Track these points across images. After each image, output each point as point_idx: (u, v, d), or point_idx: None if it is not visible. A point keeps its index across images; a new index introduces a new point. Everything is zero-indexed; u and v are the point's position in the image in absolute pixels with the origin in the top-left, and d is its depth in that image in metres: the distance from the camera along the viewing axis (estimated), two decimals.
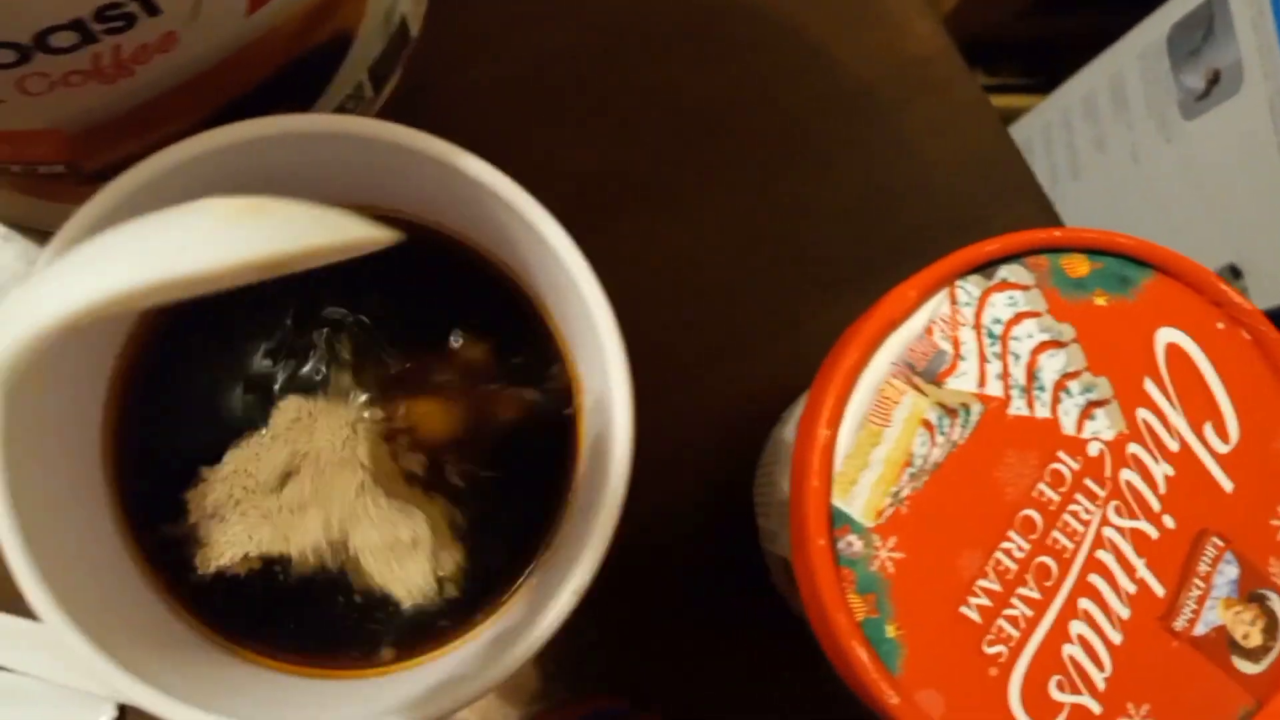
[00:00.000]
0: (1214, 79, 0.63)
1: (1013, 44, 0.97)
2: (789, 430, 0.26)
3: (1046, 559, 0.20)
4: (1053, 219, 0.34)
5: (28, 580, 0.19)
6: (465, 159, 0.20)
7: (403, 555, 0.21)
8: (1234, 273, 0.63)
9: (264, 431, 0.22)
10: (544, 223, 0.20)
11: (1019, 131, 0.86)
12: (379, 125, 0.21)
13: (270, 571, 0.22)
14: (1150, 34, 0.68)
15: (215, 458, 0.22)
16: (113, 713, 0.28)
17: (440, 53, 0.32)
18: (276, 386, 0.23)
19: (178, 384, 0.23)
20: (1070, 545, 0.20)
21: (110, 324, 0.22)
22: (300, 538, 0.21)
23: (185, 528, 0.22)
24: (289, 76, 0.25)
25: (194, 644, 0.21)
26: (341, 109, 0.28)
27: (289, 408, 0.22)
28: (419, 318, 0.23)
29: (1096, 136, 0.75)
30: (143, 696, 0.19)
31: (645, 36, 0.33)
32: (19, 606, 0.28)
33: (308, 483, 0.21)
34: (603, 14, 0.33)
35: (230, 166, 0.21)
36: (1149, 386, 0.21)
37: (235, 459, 0.22)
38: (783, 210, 0.33)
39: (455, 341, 0.23)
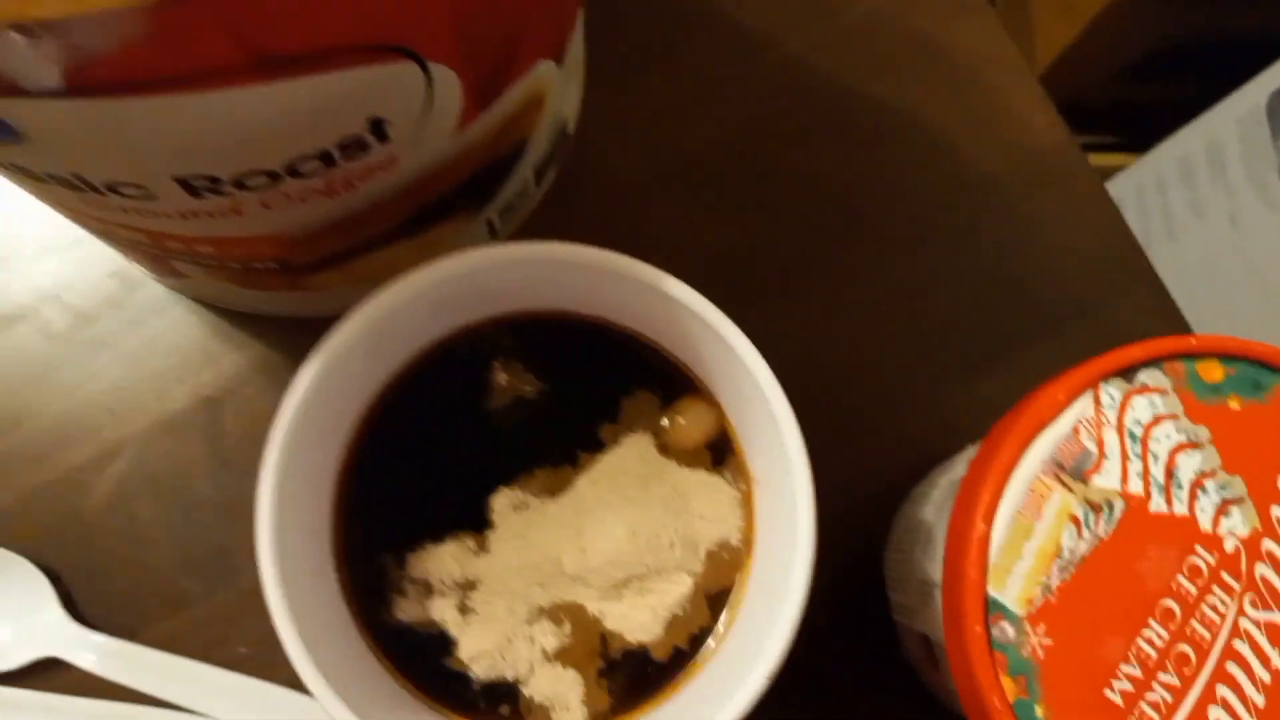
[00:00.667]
0: None
1: (1103, 105, 0.98)
2: (926, 511, 0.28)
3: (1185, 647, 0.22)
4: (1168, 306, 0.35)
5: (297, 653, 0.21)
6: (667, 281, 0.23)
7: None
8: None
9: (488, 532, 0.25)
10: (730, 333, 0.22)
11: (1111, 190, 0.87)
12: (591, 252, 0.23)
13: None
14: (1249, 100, 0.69)
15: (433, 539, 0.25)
16: None
17: (594, 145, 0.34)
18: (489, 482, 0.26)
19: (396, 482, 0.26)
20: (1208, 635, 0.22)
21: (333, 435, 0.25)
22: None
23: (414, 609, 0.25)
24: (474, 182, 0.28)
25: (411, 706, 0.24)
26: (509, 205, 0.31)
27: (503, 500, 0.25)
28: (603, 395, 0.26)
29: (1193, 200, 0.76)
30: None
31: (786, 129, 0.35)
32: (209, 657, 0.31)
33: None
34: (745, 109, 0.35)
35: (453, 285, 0.23)
36: None
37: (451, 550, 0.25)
38: (910, 294, 0.34)
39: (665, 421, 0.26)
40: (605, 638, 0.25)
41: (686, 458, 0.26)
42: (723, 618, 0.25)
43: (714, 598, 0.26)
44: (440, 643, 0.25)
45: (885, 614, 0.31)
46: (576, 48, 0.30)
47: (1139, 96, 0.96)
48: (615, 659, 0.25)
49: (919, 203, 0.35)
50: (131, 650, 0.31)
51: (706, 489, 0.25)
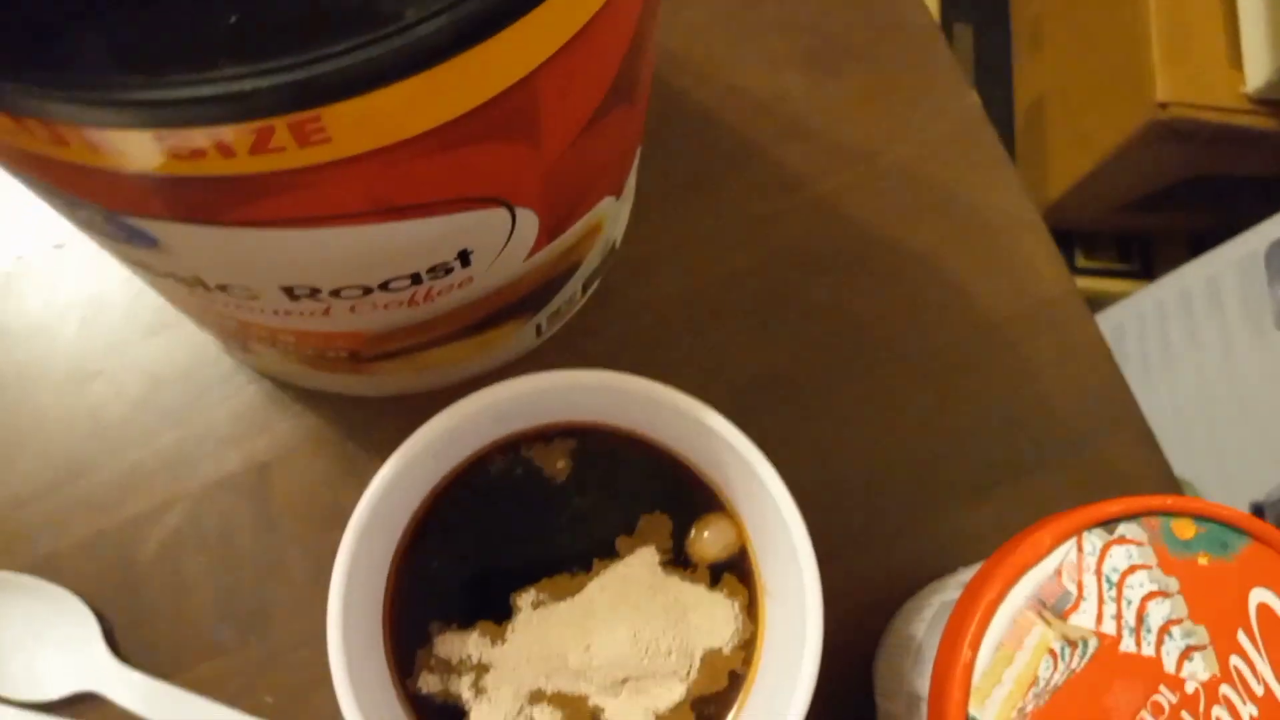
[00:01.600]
0: None
1: (1111, 233, 1.02)
2: (918, 627, 0.31)
3: None
4: (1152, 446, 0.38)
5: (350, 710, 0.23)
6: (702, 410, 0.25)
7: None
8: None
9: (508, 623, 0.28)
10: (758, 462, 0.25)
11: (1114, 315, 0.91)
12: (639, 382, 0.26)
13: None
14: (1247, 246, 0.73)
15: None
16: None
17: (634, 262, 0.37)
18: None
19: (440, 571, 0.29)
20: None
21: (394, 526, 0.28)
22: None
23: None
24: (532, 295, 0.31)
25: None
26: (558, 311, 0.34)
27: (525, 597, 0.28)
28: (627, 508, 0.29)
29: (1191, 332, 0.79)
30: None
31: (806, 261, 0.38)
32: (237, 704, 0.33)
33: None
34: (777, 241, 0.38)
35: (516, 401, 0.26)
36: (1241, 637, 0.25)
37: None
38: (914, 423, 0.37)
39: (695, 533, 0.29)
40: None
41: (691, 574, 0.29)
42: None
43: (703, 701, 0.28)
44: (456, 715, 0.28)
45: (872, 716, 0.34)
46: (631, 178, 0.33)
47: (1147, 225, 1.00)
48: None
49: (931, 338, 0.38)
50: (166, 690, 0.34)
51: (706, 603, 0.28)
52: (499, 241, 0.25)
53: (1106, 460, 0.38)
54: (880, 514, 0.37)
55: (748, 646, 0.27)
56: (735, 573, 0.29)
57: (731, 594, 0.29)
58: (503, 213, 0.23)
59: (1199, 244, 0.78)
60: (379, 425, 0.36)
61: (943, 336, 0.38)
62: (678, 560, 0.29)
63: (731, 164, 0.39)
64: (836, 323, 0.38)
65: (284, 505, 0.35)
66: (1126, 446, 0.38)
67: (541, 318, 0.33)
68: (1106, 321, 0.91)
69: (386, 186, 0.20)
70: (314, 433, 0.36)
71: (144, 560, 0.35)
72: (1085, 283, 1.02)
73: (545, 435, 0.29)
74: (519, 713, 0.27)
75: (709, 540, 0.28)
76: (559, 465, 0.29)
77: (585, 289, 0.35)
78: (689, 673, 0.27)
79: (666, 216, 0.38)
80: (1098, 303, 0.95)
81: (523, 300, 0.30)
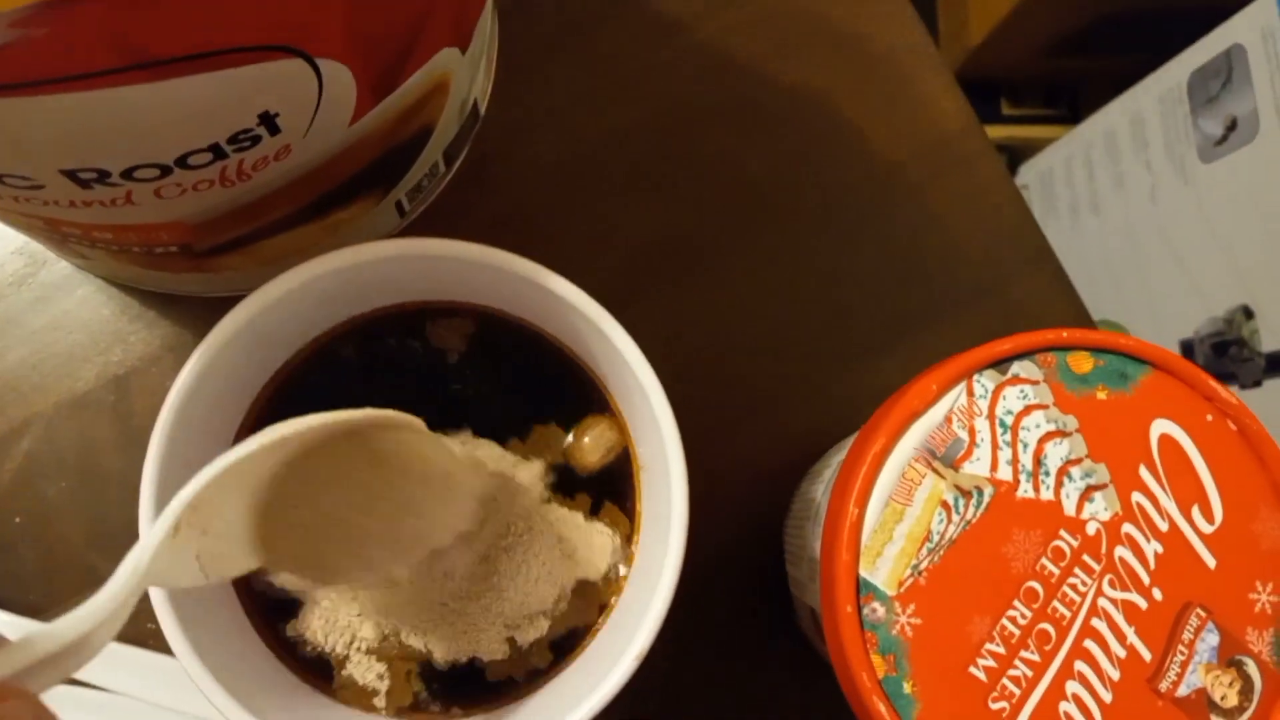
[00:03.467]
0: (1231, 126, 0.65)
1: (1036, 78, 1.00)
2: (819, 489, 0.29)
3: (1047, 625, 0.23)
4: (1066, 287, 0.37)
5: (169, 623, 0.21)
6: (545, 275, 0.23)
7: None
8: (1247, 314, 0.65)
9: None
10: (608, 325, 0.23)
11: (1041, 162, 0.89)
12: (469, 248, 0.24)
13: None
14: (1170, 79, 0.71)
15: None
16: None
17: (506, 128, 0.35)
18: None
19: None
20: (1068, 614, 0.23)
21: (219, 428, 0.25)
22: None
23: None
24: (377, 166, 0.28)
25: (293, 686, 0.24)
26: (418, 186, 0.31)
27: None
28: (501, 398, 0.26)
29: (1116, 174, 0.78)
30: None
31: (694, 115, 0.36)
32: (147, 643, 0.31)
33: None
34: (656, 95, 0.36)
35: (340, 278, 0.24)
36: (1143, 472, 0.24)
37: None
38: (817, 277, 0.35)
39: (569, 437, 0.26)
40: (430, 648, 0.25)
41: (571, 503, 0.26)
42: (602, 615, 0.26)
43: (567, 635, 0.26)
44: (290, 610, 0.26)
45: (786, 587, 0.33)
46: (484, 31, 0.30)
47: (1072, 69, 0.98)
48: (445, 665, 0.25)
49: (827, 186, 0.36)
50: (38, 628, 0.31)
51: (584, 532, 0.25)
52: (308, 103, 0.22)
53: (1019, 303, 0.36)
54: (786, 376, 0.35)
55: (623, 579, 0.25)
56: (617, 498, 0.27)
57: (612, 524, 0.26)
58: (300, 65, 0.21)
59: (1123, 87, 0.76)
60: None
61: (842, 184, 0.36)
62: (561, 480, 0.27)
63: (604, 11, 0.36)
64: (730, 178, 0.36)
65: (147, 420, 0.33)
66: (1040, 288, 0.37)
67: (399, 194, 0.30)
68: (1034, 168, 0.90)
69: (136, 33, 0.17)
70: (172, 341, 0.33)
71: None
72: (1012, 130, 0.99)
73: (388, 317, 0.27)
74: (342, 621, 0.25)
75: (589, 446, 0.26)
76: (408, 350, 0.27)
77: (449, 161, 0.32)
78: (557, 603, 0.25)
79: (536, 74, 0.35)
80: (1026, 150, 0.93)
81: (366, 173, 0.28)
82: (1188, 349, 0.70)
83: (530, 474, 0.25)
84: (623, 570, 0.26)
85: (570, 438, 0.26)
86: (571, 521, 0.25)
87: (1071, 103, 1.01)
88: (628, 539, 0.26)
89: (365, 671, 0.24)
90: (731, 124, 0.36)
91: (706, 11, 0.36)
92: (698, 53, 0.36)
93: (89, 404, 0.33)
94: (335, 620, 0.24)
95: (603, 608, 0.26)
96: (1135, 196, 0.75)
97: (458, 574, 0.24)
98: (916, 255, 0.36)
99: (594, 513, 0.26)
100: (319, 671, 0.24)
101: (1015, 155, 0.96)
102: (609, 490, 0.26)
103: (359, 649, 0.24)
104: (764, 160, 0.36)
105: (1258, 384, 0.65)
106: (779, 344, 0.35)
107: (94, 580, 0.32)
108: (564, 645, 0.26)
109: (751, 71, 0.37)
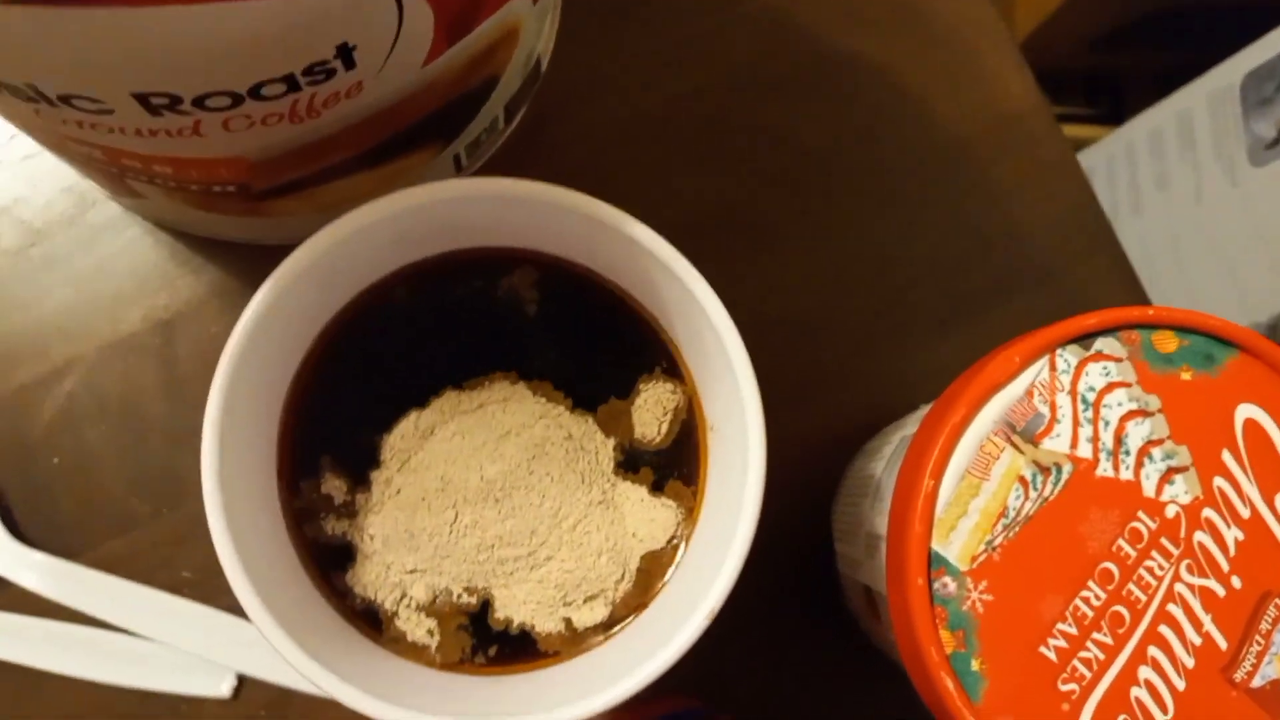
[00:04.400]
0: None
1: (1081, 75, 0.98)
2: (877, 466, 0.28)
3: (1121, 608, 0.22)
4: (1128, 275, 0.36)
5: (232, 568, 0.21)
6: (624, 220, 0.22)
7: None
8: None
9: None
10: (689, 276, 0.22)
11: (1083, 161, 0.87)
12: (546, 189, 0.23)
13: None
14: (1223, 79, 0.69)
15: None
16: (233, 682, 0.31)
17: (565, 89, 0.34)
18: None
19: (345, 403, 0.25)
20: (1144, 597, 0.22)
21: (283, 362, 0.24)
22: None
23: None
24: (443, 114, 0.27)
25: (346, 633, 0.24)
26: (477, 140, 0.31)
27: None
28: (566, 348, 0.25)
29: (1161, 174, 0.77)
30: (333, 686, 0.21)
31: (755, 84, 0.35)
32: (151, 580, 0.31)
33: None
34: (717, 62, 0.35)
35: (404, 220, 0.23)
36: (1226, 457, 0.23)
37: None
38: (874, 254, 0.35)
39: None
40: (489, 604, 0.25)
41: (634, 477, 0.25)
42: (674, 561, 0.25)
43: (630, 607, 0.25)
44: (344, 560, 0.25)
45: (831, 565, 0.32)
46: None
47: (1117, 66, 0.97)
48: (497, 629, 0.25)
49: (890, 162, 0.35)
50: (74, 570, 0.31)
51: (646, 508, 0.25)
52: (386, 38, 0.21)
53: (1079, 288, 0.35)
54: (841, 353, 0.34)
55: (690, 491, 0.25)
56: (681, 472, 0.26)
57: (676, 499, 0.25)
58: None
59: (1168, 85, 0.75)
60: None
61: (904, 160, 0.35)
62: (626, 455, 0.25)
63: None
64: (788, 148, 0.35)
65: (191, 366, 0.32)
66: (1101, 274, 0.36)
67: (459, 147, 0.30)
68: None
69: None
70: (220, 288, 0.33)
71: (38, 432, 0.32)
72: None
73: (459, 262, 0.26)
74: (395, 573, 0.24)
75: (649, 417, 0.25)
76: (478, 297, 0.26)
77: (509, 117, 0.32)
78: (619, 583, 0.24)
79: (598, 36, 0.35)
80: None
81: (431, 121, 0.27)
82: None
83: (597, 440, 0.25)
84: (681, 550, 0.25)
85: (633, 409, 0.25)
86: (635, 496, 0.24)
87: (1115, 102, 1.00)
88: (689, 513, 0.25)
89: (415, 627, 0.24)
90: (793, 95, 0.35)
91: None
92: (761, 20, 0.36)
93: (134, 348, 0.32)
94: (387, 576, 0.24)
95: (661, 583, 0.25)
96: (1180, 197, 0.74)
97: (518, 528, 0.24)
98: (977, 236, 0.35)
99: (658, 489, 0.25)
100: (370, 621, 0.24)
101: None
102: (672, 464, 0.25)
103: (408, 605, 0.24)
104: (825, 133, 0.35)
105: None
106: (833, 320, 0.35)
107: (130, 524, 0.31)
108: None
109: (815, 42, 0.36)
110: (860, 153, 0.35)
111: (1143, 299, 0.36)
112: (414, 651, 0.24)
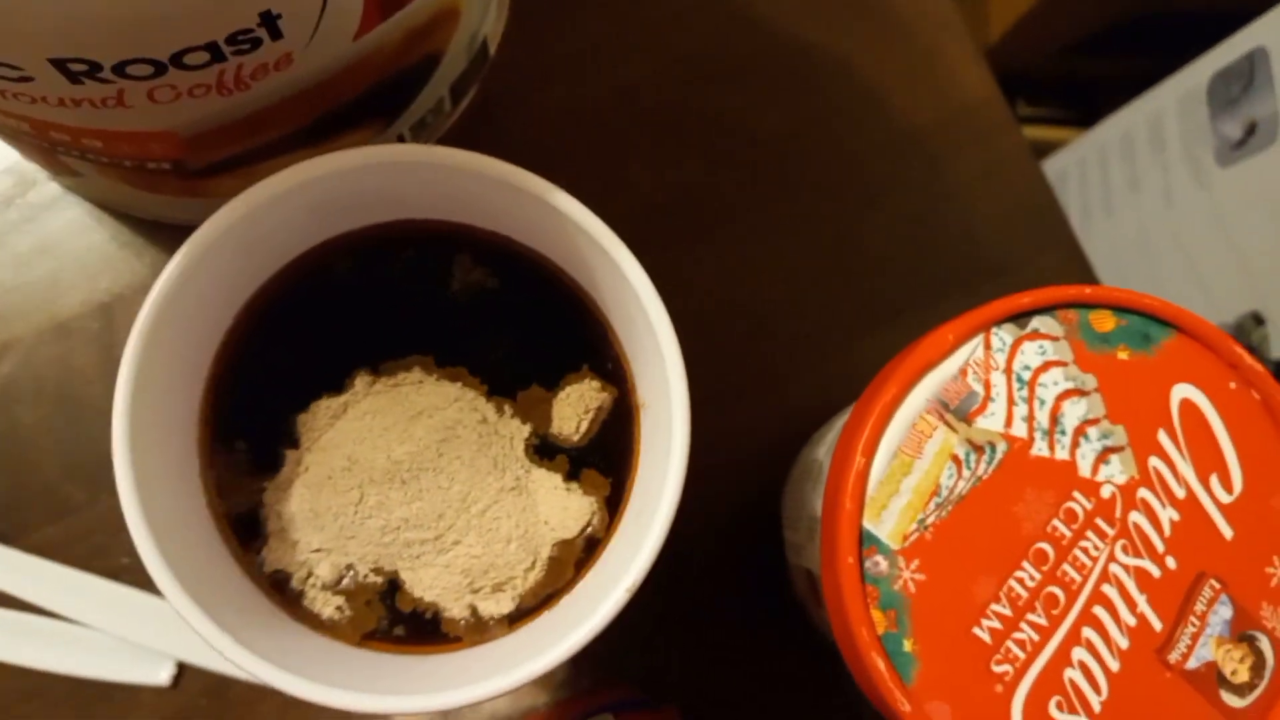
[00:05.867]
0: (1251, 130, 0.64)
1: (1054, 78, 0.99)
2: (821, 451, 0.28)
3: (1055, 589, 0.22)
4: (1082, 265, 0.36)
5: (146, 549, 0.20)
6: (550, 190, 0.22)
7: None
8: (1257, 320, 0.64)
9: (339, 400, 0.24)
10: (618, 251, 0.22)
11: (1055, 164, 0.88)
12: (472, 157, 0.22)
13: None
14: (1191, 80, 0.70)
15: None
16: (172, 669, 0.30)
17: (517, 72, 0.34)
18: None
19: (268, 377, 0.25)
20: (1078, 578, 0.22)
21: (201, 337, 0.24)
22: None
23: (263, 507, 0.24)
24: (381, 91, 0.27)
25: (265, 609, 0.23)
26: (422, 121, 0.30)
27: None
28: (494, 328, 0.25)
29: (1132, 176, 0.77)
30: (245, 660, 0.20)
31: (710, 71, 0.35)
32: (88, 566, 0.31)
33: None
34: (672, 48, 0.35)
35: (327, 188, 0.23)
36: (1162, 437, 0.23)
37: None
38: (828, 245, 0.34)
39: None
40: (398, 585, 0.24)
41: (547, 461, 0.25)
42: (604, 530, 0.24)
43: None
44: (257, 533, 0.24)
45: (782, 556, 0.32)
46: None
47: (1091, 70, 0.97)
48: (405, 610, 0.24)
49: (846, 153, 0.35)
50: (8, 555, 0.31)
51: (559, 495, 0.24)
52: (312, 6, 0.21)
53: (1034, 279, 0.35)
54: (791, 344, 0.34)
55: (623, 469, 0.24)
56: (600, 460, 0.25)
57: (592, 488, 0.25)
58: None
59: (1142, 89, 0.75)
60: None
61: (858, 151, 0.35)
62: (543, 441, 0.25)
63: None
64: (743, 137, 0.35)
65: None
66: (1055, 265, 0.36)
67: (402, 127, 0.30)
68: (1049, 170, 0.89)
69: None
70: (160, 270, 0.32)
71: None
72: (1028, 131, 0.98)
73: (381, 234, 0.25)
74: (308, 549, 0.23)
75: (569, 413, 0.24)
76: (400, 270, 0.25)
77: (456, 98, 0.31)
78: (528, 571, 0.24)
79: (551, 20, 0.34)
80: (1041, 151, 0.92)
81: (369, 97, 0.27)
82: None
83: (513, 426, 0.24)
84: (599, 537, 0.24)
85: (554, 402, 0.25)
86: (549, 484, 0.24)
87: (1088, 105, 1.00)
88: (605, 502, 0.24)
89: (324, 605, 0.23)
90: (748, 83, 0.35)
91: None
92: (717, 9, 0.35)
93: (73, 331, 0.32)
94: (295, 554, 0.23)
95: (577, 574, 0.24)
96: (1150, 199, 0.75)
97: (425, 511, 0.23)
98: (930, 228, 0.35)
99: (573, 477, 0.25)
100: (286, 597, 0.23)
101: None
102: (592, 452, 0.25)
103: (314, 584, 0.23)
104: (780, 122, 0.35)
105: None
106: (785, 311, 0.34)
107: (67, 510, 0.31)
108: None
109: (772, 30, 0.36)
110: (815, 143, 0.35)
111: None
112: (326, 627, 0.23)
